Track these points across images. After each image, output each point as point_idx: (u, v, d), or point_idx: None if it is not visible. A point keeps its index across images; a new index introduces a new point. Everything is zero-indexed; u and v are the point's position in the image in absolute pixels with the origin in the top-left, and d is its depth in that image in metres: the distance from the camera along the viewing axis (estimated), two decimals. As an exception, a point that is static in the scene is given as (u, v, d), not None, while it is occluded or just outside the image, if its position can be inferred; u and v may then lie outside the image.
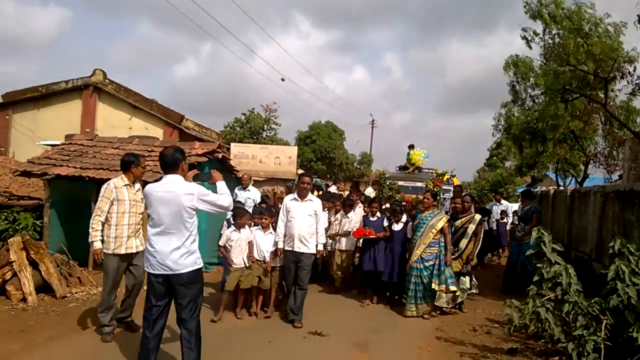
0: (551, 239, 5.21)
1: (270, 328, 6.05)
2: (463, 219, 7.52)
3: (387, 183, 14.70)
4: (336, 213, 8.52)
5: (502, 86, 13.62)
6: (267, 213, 6.71)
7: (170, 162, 4.09)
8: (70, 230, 8.28)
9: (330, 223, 8.38)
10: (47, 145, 11.78)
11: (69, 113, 15.63)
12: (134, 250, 5.31)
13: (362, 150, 42.80)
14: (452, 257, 7.08)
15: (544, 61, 11.58)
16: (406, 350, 5.54)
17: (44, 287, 6.77)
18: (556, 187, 20.55)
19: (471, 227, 7.35)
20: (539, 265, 5.29)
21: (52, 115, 15.72)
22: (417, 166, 15.33)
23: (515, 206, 14.47)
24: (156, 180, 4.55)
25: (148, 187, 4.23)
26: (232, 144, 20.95)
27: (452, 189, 18.87)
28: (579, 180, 17.89)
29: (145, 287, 4.35)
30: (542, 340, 5.39)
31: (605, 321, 4.65)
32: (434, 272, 6.84)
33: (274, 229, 6.58)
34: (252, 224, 6.61)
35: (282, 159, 19.23)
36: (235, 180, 11.35)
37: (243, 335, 5.72)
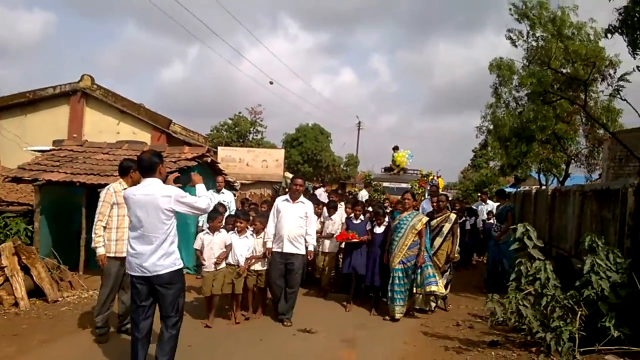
0: (536, 236, 5.45)
1: (260, 327, 6.23)
2: (438, 219, 7.52)
3: (373, 184, 14.94)
4: (319, 216, 8.40)
5: (488, 88, 13.98)
6: (242, 217, 6.57)
7: (147, 166, 4.19)
8: (60, 235, 8.38)
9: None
10: (35, 151, 11.77)
11: (56, 118, 15.60)
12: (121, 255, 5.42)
13: (348, 152, 43.16)
14: (429, 258, 6.99)
15: (527, 64, 11.91)
16: (393, 345, 5.73)
17: (35, 292, 6.85)
18: (539, 186, 20.93)
19: (446, 227, 7.38)
20: (521, 260, 5.54)
21: (40, 120, 15.67)
22: (402, 167, 15.57)
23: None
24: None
25: (127, 190, 4.38)
26: (220, 148, 21.11)
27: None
28: (561, 179, 18.24)
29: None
30: (522, 333, 5.61)
31: (579, 312, 4.89)
32: (413, 274, 6.81)
33: (257, 233, 6.53)
34: (230, 227, 6.49)
35: (269, 161, 19.41)
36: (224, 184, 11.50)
37: (234, 334, 5.88)
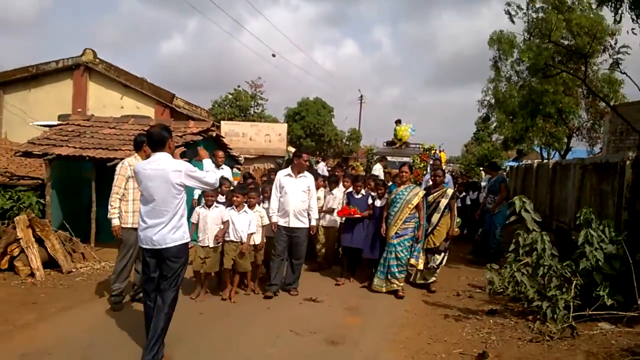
0: (532, 207, 5.62)
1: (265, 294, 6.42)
2: (435, 194, 7.32)
3: (375, 159, 15.05)
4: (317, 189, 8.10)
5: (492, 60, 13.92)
6: (239, 191, 6.37)
7: (157, 140, 4.22)
8: (71, 208, 8.59)
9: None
10: (41, 125, 11.90)
11: (60, 93, 15.70)
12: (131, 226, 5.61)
13: (351, 126, 43.10)
14: (425, 232, 6.94)
15: (528, 37, 11.88)
16: (395, 312, 5.97)
17: (50, 263, 7.09)
18: (541, 160, 21.09)
19: (443, 202, 7.17)
20: (518, 232, 5.73)
21: (44, 95, 15.78)
22: (404, 141, 15.65)
23: None
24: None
25: (137, 165, 4.41)
26: (223, 122, 21.15)
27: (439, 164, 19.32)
28: (562, 153, 18.38)
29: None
30: (520, 302, 5.83)
31: (575, 282, 5.10)
32: (409, 247, 6.74)
33: (251, 207, 6.36)
34: (228, 203, 6.36)
35: (272, 136, 19.51)
36: (229, 158, 11.65)
37: (242, 304, 6.09)
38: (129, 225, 5.47)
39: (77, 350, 4.40)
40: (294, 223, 6.43)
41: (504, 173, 21.47)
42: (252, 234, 6.22)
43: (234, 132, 19.61)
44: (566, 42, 11.03)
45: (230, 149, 11.57)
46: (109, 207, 5.51)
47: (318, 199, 7.94)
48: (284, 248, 6.51)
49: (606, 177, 7.80)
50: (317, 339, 4.98)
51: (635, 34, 7.96)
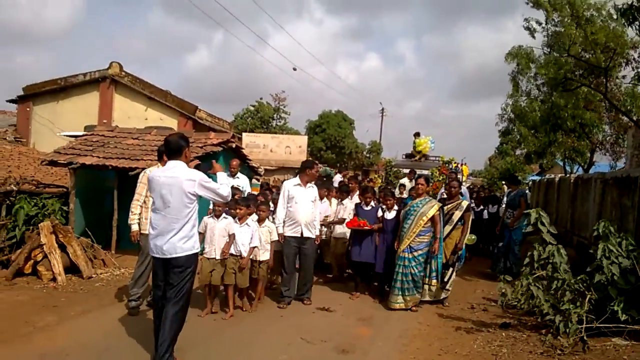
0: (549, 221, 5.60)
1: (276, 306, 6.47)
2: (449, 205, 7.09)
3: (393, 171, 15.05)
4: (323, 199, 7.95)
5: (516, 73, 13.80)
6: (241, 203, 6.08)
7: (174, 149, 4.23)
8: (94, 216, 8.82)
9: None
10: (68, 136, 12.28)
11: (87, 105, 16.15)
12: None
13: (372, 139, 43.15)
14: (442, 248, 6.74)
15: (548, 50, 11.83)
16: (407, 324, 5.96)
17: (71, 268, 7.29)
18: (564, 175, 20.78)
19: (457, 214, 6.98)
20: (534, 244, 5.70)
21: (71, 106, 16.25)
22: (423, 154, 15.61)
23: None
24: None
25: (152, 172, 4.41)
26: (244, 134, 21.47)
27: (460, 177, 19.17)
28: (585, 167, 18.10)
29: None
30: (534, 317, 5.77)
31: (589, 296, 5.04)
32: (423, 263, 6.56)
33: (260, 222, 6.21)
34: (234, 215, 6.04)
35: (293, 148, 19.68)
36: (248, 170, 11.82)
37: (255, 312, 6.16)
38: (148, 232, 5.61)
39: (94, 353, 4.53)
40: (305, 233, 6.44)
41: (527, 187, 21.25)
42: (253, 248, 5.99)
43: (254, 143, 19.86)
44: (588, 56, 10.90)
45: (250, 160, 11.75)
46: (130, 213, 5.68)
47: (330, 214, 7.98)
48: (294, 261, 6.52)
49: (627, 192, 7.70)
50: (328, 347, 5.02)
51: None
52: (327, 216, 7.90)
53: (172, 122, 16.02)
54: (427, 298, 6.82)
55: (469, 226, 7.12)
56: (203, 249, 5.77)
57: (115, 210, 8.44)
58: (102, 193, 9.14)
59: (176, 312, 4.18)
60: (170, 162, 4.25)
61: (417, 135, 15.73)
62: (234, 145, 10.14)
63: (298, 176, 6.62)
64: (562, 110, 11.48)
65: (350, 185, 8.50)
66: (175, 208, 4.14)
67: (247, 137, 20.58)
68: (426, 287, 6.75)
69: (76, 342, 4.83)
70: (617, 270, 5.10)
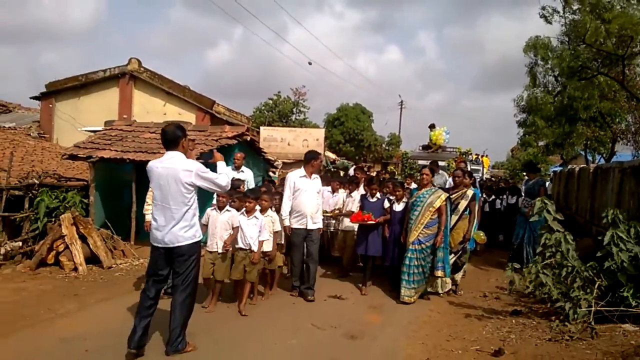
0: (554, 209, 5.60)
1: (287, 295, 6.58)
2: (454, 195, 6.92)
3: (409, 163, 15.04)
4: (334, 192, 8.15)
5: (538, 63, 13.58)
6: (251, 195, 5.87)
7: (170, 139, 4.24)
8: (113, 208, 9.04)
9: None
10: (89, 131, 12.54)
11: (107, 100, 16.42)
12: None
13: (390, 131, 42.93)
14: (447, 238, 6.58)
15: (566, 40, 11.66)
16: (417, 311, 6.03)
17: (92, 259, 7.54)
18: (585, 165, 20.47)
19: (462, 204, 6.84)
20: (542, 232, 5.71)
21: (92, 102, 16.54)
22: (440, 145, 15.56)
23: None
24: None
25: (150, 163, 4.38)
26: (262, 128, 21.58)
27: (480, 168, 19.04)
28: (606, 157, 17.83)
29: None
30: (546, 304, 5.78)
31: (598, 282, 5.04)
32: (432, 254, 6.43)
33: (263, 211, 6.01)
34: (238, 207, 5.85)
35: (310, 141, 19.71)
36: (263, 162, 11.97)
37: (267, 300, 6.30)
38: None
39: (111, 337, 4.68)
40: (310, 225, 6.36)
41: (549, 178, 20.96)
42: (263, 241, 5.80)
43: (272, 137, 19.96)
44: (606, 44, 10.70)
45: (265, 153, 11.88)
46: (145, 204, 5.84)
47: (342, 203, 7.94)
48: (302, 253, 6.44)
49: (644, 180, 7.60)
50: (337, 333, 5.13)
51: None
52: (339, 209, 7.92)
53: (190, 117, 16.20)
54: (440, 290, 6.74)
55: (476, 216, 7.01)
56: (205, 241, 5.66)
57: (134, 202, 8.65)
58: (121, 186, 9.36)
59: (184, 298, 4.29)
60: (168, 152, 4.27)
61: (432, 127, 15.68)
62: (248, 139, 10.25)
63: (303, 167, 6.51)
64: (576, 102, 11.25)
65: (357, 176, 8.35)
66: (173, 198, 4.17)
67: (264, 131, 20.68)
68: (438, 280, 6.68)
69: (95, 327, 5.02)
70: (626, 257, 5.08)
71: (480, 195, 8.98)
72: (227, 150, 9.29)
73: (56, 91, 16.77)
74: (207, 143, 8.91)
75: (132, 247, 8.39)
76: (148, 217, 5.78)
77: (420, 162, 13.99)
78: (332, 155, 26.98)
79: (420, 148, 16.86)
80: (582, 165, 18.21)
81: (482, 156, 21.29)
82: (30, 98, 17.51)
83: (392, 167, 19.80)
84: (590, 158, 21.37)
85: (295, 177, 6.46)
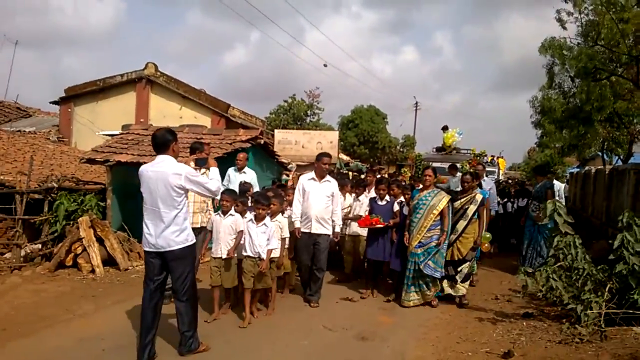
0: (565, 212, 5.59)
1: (299, 298, 6.62)
2: (463, 200, 6.67)
3: (423, 165, 15.04)
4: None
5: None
6: (264, 202, 5.56)
7: (160, 143, 4.24)
8: (130, 211, 9.19)
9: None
10: (106, 135, 12.76)
11: (124, 104, 16.69)
12: (198, 225, 6.01)
13: (405, 133, 42.86)
14: (447, 243, 6.42)
15: (582, 41, 11.58)
16: (428, 314, 6.07)
17: (109, 261, 7.70)
18: (602, 167, 20.24)
19: (471, 208, 6.55)
20: (553, 235, 5.71)
21: (110, 106, 16.82)
22: (453, 147, 15.54)
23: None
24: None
25: (142, 167, 4.38)
26: (276, 131, 21.70)
27: (496, 170, 18.95)
28: (624, 159, 17.62)
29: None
30: (557, 307, 5.77)
31: (609, 285, 5.03)
32: (431, 257, 6.25)
33: (272, 215, 5.81)
34: (241, 211, 5.66)
35: (324, 143, 19.75)
36: (277, 165, 12.08)
37: (280, 301, 6.31)
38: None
39: (127, 337, 4.83)
40: (316, 229, 6.20)
41: (565, 180, 20.75)
42: (272, 250, 5.53)
43: (286, 140, 20.04)
44: (625, 44, 10.60)
45: (279, 156, 11.99)
46: None
47: (349, 206, 7.71)
48: (308, 257, 6.30)
49: (660, 183, 7.54)
50: (349, 335, 5.20)
51: None
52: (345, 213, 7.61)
53: (205, 120, 16.38)
54: (450, 292, 6.60)
55: (485, 221, 6.72)
56: (211, 247, 5.67)
57: (150, 205, 8.76)
58: (137, 189, 9.43)
59: (187, 300, 4.35)
60: (159, 156, 4.28)
61: (445, 129, 15.67)
62: (262, 142, 10.36)
63: (314, 170, 6.47)
64: (588, 103, 11.13)
65: (367, 179, 8.01)
66: (163, 202, 4.16)
67: (279, 134, 20.78)
68: (447, 283, 6.56)
69: (111, 328, 5.16)
70: (637, 260, 5.06)
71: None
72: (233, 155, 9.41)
73: (75, 96, 17.10)
74: (221, 147, 9.04)
75: (148, 249, 8.52)
76: None
77: (435, 164, 13.96)
78: (346, 158, 27.03)
79: (434, 150, 16.84)
80: (598, 167, 18.05)
81: (497, 158, 21.20)
82: (50, 103, 17.93)
83: (406, 169, 19.81)
84: (607, 159, 21.13)
85: (304, 180, 6.42)
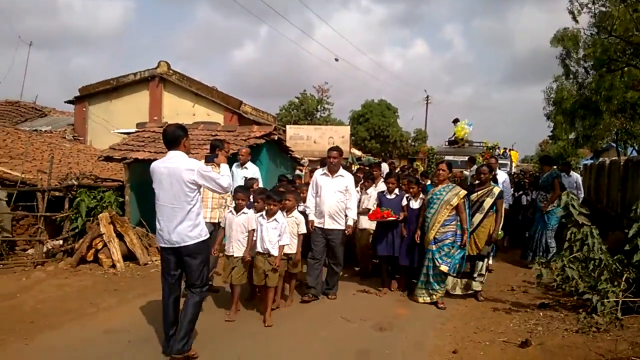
0: (579, 203, 5.63)
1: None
2: (479, 192, 6.55)
3: (435, 158, 15.04)
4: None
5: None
6: (276, 198, 5.45)
7: (171, 139, 4.23)
8: (147, 207, 9.33)
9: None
10: (121, 133, 12.92)
11: (138, 103, 16.87)
12: (216, 221, 6.12)
13: (417, 127, 42.77)
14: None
15: (595, 31, 11.51)
16: (446, 305, 6.11)
17: (128, 256, 7.85)
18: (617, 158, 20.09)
19: (488, 201, 6.44)
20: (569, 227, 5.75)
21: (123, 105, 17.01)
22: (465, 140, 15.51)
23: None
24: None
25: (153, 163, 4.37)
26: (288, 126, 21.81)
27: (508, 163, 18.89)
28: (638, 150, 17.49)
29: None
30: (574, 297, 5.81)
31: (625, 275, 5.07)
32: (448, 254, 6.06)
33: (288, 211, 5.75)
34: (256, 209, 5.55)
35: (336, 138, 19.84)
36: (291, 161, 12.17)
37: (295, 295, 6.37)
38: (207, 220, 5.79)
39: (150, 329, 4.96)
40: (328, 224, 6.18)
41: (579, 172, 20.63)
42: (283, 246, 5.42)
43: (298, 135, 20.17)
44: (635, 35, 10.53)
45: (292, 151, 12.08)
46: None
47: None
48: (321, 250, 6.25)
49: (674, 172, 7.53)
50: (366, 325, 5.29)
51: None
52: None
53: (218, 117, 16.51)
54: (458, 292, 6.51)
55: (502, 214, 6.56)
56: (224, 245, 5.63)
57: (167, 201, 8.91)
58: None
59: (198, 294, 4.34)
60: (170, 152, 4.28)
61: (456, 121, 15.63)
62: (276, 138, 10.45)
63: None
64: (597, 94, 11.10)
65: (374, 172, 7.90)
66: (175, 197, 4.17)
67: (290, 130, 20.90)
68: (457, 280, 6.46)
69: (135, 320, 5.29)
70: (654, 250, 5.10)
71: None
72: (256, 150, 9.52)
73: (89, 95, 17.31)
74: (236, 143, 9.13)
75: (166, 245, 8.66)
76: None
77: (447, 157, 13.97)
78: (358, 152, 27.09)
79: (447, 143, 16.83)
80: (613, 158, 17.93)
81: (510, 150, 21.12)
82: (65, 102, 18.15)
83: (418, 163, 19.81)
84: (621, 150, 20.97)
85: (317, 175, 6.42)
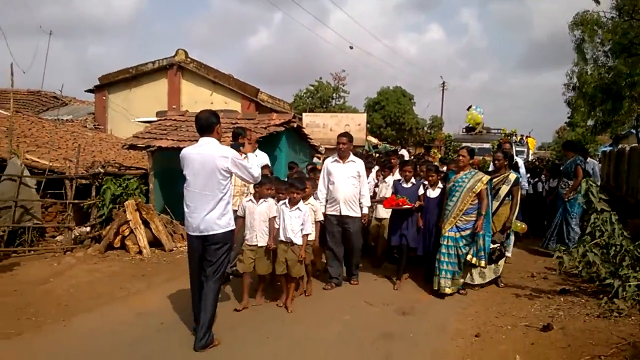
0: (598, 190, 5.67)
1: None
2: (495, 179, 6.41)
3: (453, 145, 15.02)
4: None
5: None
6: (300, 186, 5.40)
7: (204, 125, 4.20)
8: (171, 194, 9.54)
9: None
10: (141, 121, 13.12)
11: (156, 91, 17.07)
12: (235, 208, 6.23)
13: (432, 114, 42.50)
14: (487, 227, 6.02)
15: (617, 14, 11.35)
16: (466, 291, 6.21)
17: (154, 242, 8.05)
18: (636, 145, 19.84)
19: (504, 189, 6.36)
20: (590, 212, 5.80)
21: (142, 93, 17.23)
22: (484, 126, 15.45)
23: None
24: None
25: (185, 149, 4.32)
26: (304, 114, 21.91)
27: (525, 150, 18.77)
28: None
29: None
30: (594, 283, 5.87)
31: (647, 260, 5.12)
32: (471, 243, 5.93)
33: (305, 199, 5.62)
34: (278, 198, 5.55)
35: (352, 126, 19.91)
36: (309, 148, 12.27)
37: (316, 282, 6.47)
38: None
39: (179, 312, 5.14)
40: (344, 211, 6.11)
41: (597, 159, 20.42)
42: (307, 235, 5.35)
43: (314, 123, 20.27)
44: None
45: (311, 139, 12.17)
46: None
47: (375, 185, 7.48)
48: (338, 239, 6.22)
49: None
50: (389, 310, 5.42)
51: None
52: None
53: (235, 105, 16.64)
54: (478, 282, 6.30)
55: (518, 201, 6.48)
56: (244, 235, 5.51)
57: (190, 189, 9.08)
58: (178, 173, 9.73)
59: (216, 284, 4.31)
60: (203, 138, 4.23)
61: (469, 108, 15.54)
62: (295, 125, 10.55)
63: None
64: (620, 78, 10.95)
65: (392, 161, 7.68)
66: (207, 185, 4.13)
67: (307, 117, 21.00)
68: (476, 270, 6.23)
69: (165, 304, 5.48)
70: (677, 236, 5.14)
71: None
72: (275, 138, 9.64)
73: (109, 84, 17.55)
74: (256, 131, 9.24)
75: (189, 231, 8.85)
76: None
77: (465, 144, 13.92)
78: (375, 140, 27.07)
79: (464, 130, 16.78)
80: (632, 145, 17.72)
81: (527, 137, 20.95)
82: (85, 91, 18.40)
83: (435, 150, 19.77)
84: (641, 138, 20.69)
85: (328, 162, 6.36)
